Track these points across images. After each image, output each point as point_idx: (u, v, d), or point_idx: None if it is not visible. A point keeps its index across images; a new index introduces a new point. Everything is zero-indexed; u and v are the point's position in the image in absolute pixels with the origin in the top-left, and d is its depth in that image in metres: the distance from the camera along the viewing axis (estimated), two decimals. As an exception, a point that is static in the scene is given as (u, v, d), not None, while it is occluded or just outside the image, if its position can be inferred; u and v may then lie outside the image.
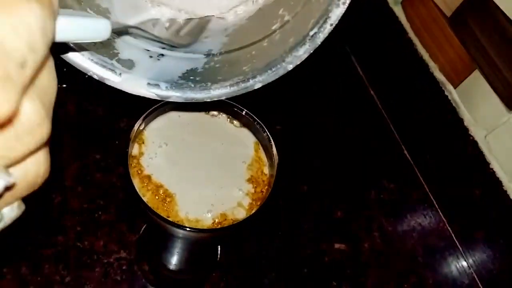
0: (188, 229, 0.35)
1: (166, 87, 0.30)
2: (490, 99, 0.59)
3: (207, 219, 0.37)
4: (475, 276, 0.62)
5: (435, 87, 0.67)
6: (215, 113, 0.43)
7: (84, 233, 0.54)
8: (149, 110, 0.39)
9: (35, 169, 0.18)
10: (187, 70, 0.32)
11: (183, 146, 0.40)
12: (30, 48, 0.16)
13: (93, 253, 0.53)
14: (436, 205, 0.67)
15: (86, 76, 0.29)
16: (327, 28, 0.27)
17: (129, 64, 0.30)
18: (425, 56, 0.68)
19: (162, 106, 0.39)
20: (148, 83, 0.30)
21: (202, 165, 0.40)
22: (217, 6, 0.33)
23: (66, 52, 0.28)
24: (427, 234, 0.65)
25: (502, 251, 0.61)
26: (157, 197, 0.37)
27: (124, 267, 0.53)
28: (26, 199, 0.18)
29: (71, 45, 0.28)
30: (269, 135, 0.40)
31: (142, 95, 0.30)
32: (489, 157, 0.60)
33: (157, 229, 0.46)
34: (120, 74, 0.29)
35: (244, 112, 0.41)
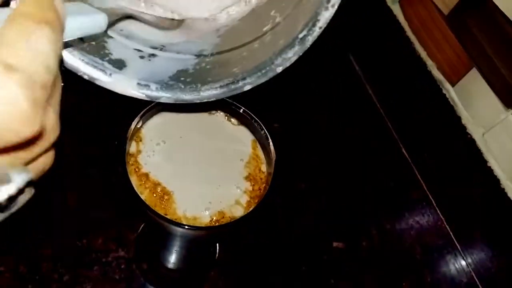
0: (186, 227, 0.35)
1: (156, 88, 0.30)
2: (487, 97, 0.59)
3: (205, 217, 0.37)
4: (473, 275, 0.62)
5: (433, 85, 0.67)
6: (212, 111, 0.43)
7: (82, 232, 0.54)
8: (147, 108, 0.39)
9: (45, 161, 0.20)
10: (177, 71, 0.32)
11: (180, 144, 0.40)
12: (47, 71, 0.17)
13: (91, 252, 0.53)
14: (434, 204, 0.68)
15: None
16: (316, 31, 0.27)
17: (120, 65, 0.30)
18: (423, 54, 0.68)
19: (160, 104, 0.39)
20: (138, 84, 0.30)
21: (199, 163, 0.40)
22: (209, 7, 0.34)
23: None
24: (425, 232, 0.65)
25: (500, 249, 0.61)
26: (154, 195, 0.37)
27: (122, 266, 0.52)
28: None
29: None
30: (267, 133, 0.40)
31: (132, 95, 0.30)
32: (487, 155, 0.60)
33: (155, 228, 0.46)
34: (110, 74, 0.29)
35: (241, 110, 0.41)
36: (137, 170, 0.38)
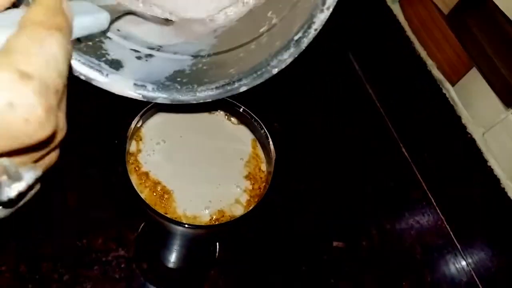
0: (186, 225, 0.35)
1: (153, 89, 0.30)
2: (487, 97, 0.59)
3: (204, 216, 0.37)
4: (474, 274, 0.62)
5: (433, 85, 0.67)
6: (212, 110, 0.43)
7: (82, 231, 0.54)
8: (147, 107, 0.39)
9: (52, 158, 0.21)
10: (174, 71, 0.32)
11: (180, 143, 0.40)
12: (59, 75, 0.18)
13: (92, 252, 0.53)
14: (434, 203, 0.68)
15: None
16: (312, 33, 0.27)
17: (116, 65, 0.30)
18: (423, 54, 0.69)
19: (159, 104, 0.39)
20: (135, 84, 0.30)
21: (199, 162, 0.40)
22: (207, 8, 0.34)
23: None
24: (425, 232, 0.65)
25: (500, 249, 0.61)
26: (155, 194, 0.37)
27: (122, 266, 0.53)
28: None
29: None
30: (267, 132, 0.40)
31: (128, 96, 0.30)
32: (487, 155, 0.60)
33: (155, 227, 0.46)
34: (107, 75, 0.29)
35: (241, 109, 0.41)
36: (137, 169, 0.38)
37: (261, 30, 0.31)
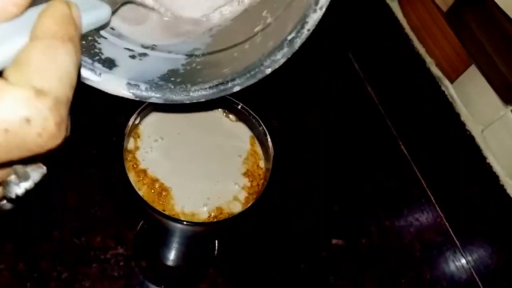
0: (184, 222, 0.35)
1: (146, 88, 0.30)
2: (486, 94, 0.59)
3: (203, 213, 0.37)
4: (473, 271, 0.62)
5: (431, 82, 0.67)
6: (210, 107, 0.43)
7: (81, 229, 0.54)
8: (145, 105, 0.39)
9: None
10: (168, 70, 0.32)
11: (178, 140, 0.40)
12: (71, 87, 0.19)
13: (90, 249, 0.53)
14: (434, 201, 0.67)
15: None
16: (305, 33, 0.27)
17: (110, 64, 0.30)
18: (422, 51, 0.68)
19: (156, 103, 0.39)
20: (128, 84, 0.30)
21: (198, 159, 0.40)
22: (202, 7, 0.34)
23: None
24: (424, 229, 0.65)
25: (499, 246, 0.61)
26: (153, 191, 0.37)
27: (121, 263, 0.52)
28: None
29: None
30: (265, 129, 0.40)
31: (121, 95, 0.30)
32: (486, 152, 0.60)
33: (154, 225, 0.46)
34: (100, 74, 0.29)
35: (239, 106, 0.41)
36: (135, 166, 0.38)
37: (256, 29, 0.31)
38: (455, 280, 0.61)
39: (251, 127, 0.42)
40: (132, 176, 0.37)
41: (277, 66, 0.29)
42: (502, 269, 0.60)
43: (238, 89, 0.30)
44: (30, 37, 0.19)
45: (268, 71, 0.29)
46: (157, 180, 0.38)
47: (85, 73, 0.29)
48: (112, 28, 0.32)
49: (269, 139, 0.40)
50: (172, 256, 0.53)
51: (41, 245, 0.52)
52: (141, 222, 0.55)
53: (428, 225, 0.65)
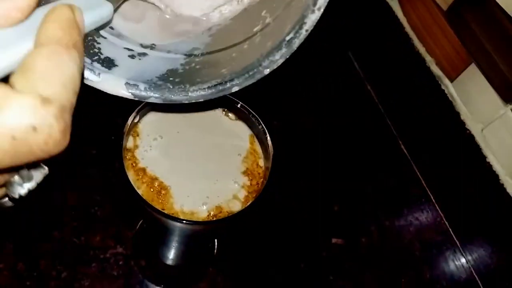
0: (183, 221, 0.35)
1: (145, 88, 0.30)
2: (486, 93, 0.59)
3: (202, 212, 0.37)
4: (473, 271, 0.62)
5: (431, 81, 0.67)
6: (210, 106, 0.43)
7: (80, 229, 0.53)
8: (144, 103, 0.39)
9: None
10: (167, 70, 0.32)
11: (178, 138, 0.40)
12: (75, 92, 0.19)
13: (90, 249, 0.53)
14: (433, 200, 0.67)
15: None
16: (303, 34, 0.27)
17: (109, 64, 0.30)
18: (422, 50, 0.68)
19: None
20: (127, 83, 0.30)
21: (197, 157, 0.40)
22: (202, 6, 0.34)
23: None
24: (424, 229, 0.65)
25: (499, 246, 0.61)
26: (152, 190, 0.37)
27: (120, 263, 0.52)
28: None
29: None
30: (265, 128, 0.40)
31: (120, 95, 0.30)
32: (485, 151, 0.60)
33: (153, 224, 0.46)
34: (99, 74, 0.29)
35: (239, 105, 0.41)
36: (134, 165, 0.38)
37: (255, 29, 0.31)
38: (455, 279, 0.61)
39: (250, 125, 0.42)
40: (131, 175, 0.37)
41: (275, 67, 0.29)
42: (502, 269, 0.60)
43: (236, 90, 0.30)
44: (34, 43, 0.19)
45: (267, 71, 0.29)
46: (156, 178, 0.38)
47: (84, 73, 0.29)
48: (112, 28, 0.32)
49: (268, 137, 0.40)
50: (171, 255, 0.53)
51: (41, 245, 0.52)
52: (141, 221, 0.55)
53: (428, 225, 0.65)
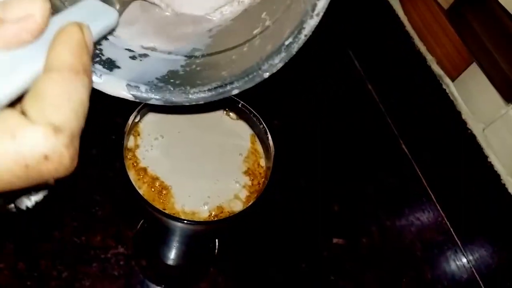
0: (184, 221, 0.35)
1: (146, 90, 0.30)
2: (488, 92, 0.59)
3: (203, 212, 0.37)
4: (474, 271, 0.62)
5: (432, 80, 0.66)
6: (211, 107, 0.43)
7: (81, 229, 0.53)
8: (145, 102, 0.38)
9: None
10: (167, 72, 0.32)
11: (179, 138, 0.40)
12: (84, 117, 0.20)
13: (90, 249, 0.52)
14: (435, 200, 0.67)
15: None
16: (302, 39, 0.28)
17: (110, 65, 0.30)
18: (423, 49, 0.68)
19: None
20: (128, 85, 0.30)
21: (198, 157, 0.39)
22: (203, 6, 0.34)
23: None
24: (425, 228, 0.65)
25: (501, 245, 0.61)
26: (153, 190, 0.37)
27: (121, 263, 0.52)
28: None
29: None
30: (266, 127, 0.40)
31: (122, 96, 0.30)
32: (487, 150, 0.60)
33: (154, 224, 0.46)
34: (100, 75, 0.29)
35: (240, 104, 0.41)
36: (135, 164, 0.38)
37: (255, 32, 0.31)
38: (456, 279, 0.61)
39: (251, 125, 0.42)
40: (132, 175, 0.37)
41: (274, 71, 0.29)
42: (503, 269, 0.60)
43: (236, 92, 0.30)
44: (45, 65, 0.19)
45: (266, 75, 0.29)
46: (157, 178, 0.37)
47: None
48: (114, 30, 0.32)
49: (269, 137, 0.40)
50: (172, 255, 0.53)
51: (41, 245, 0.52)
52: (141, 221, 0.55)
53: (429, 224, 0.65)
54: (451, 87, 0.65)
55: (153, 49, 0.33)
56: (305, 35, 0.27)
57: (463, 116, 0.63)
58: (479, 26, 0.59)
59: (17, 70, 0.19)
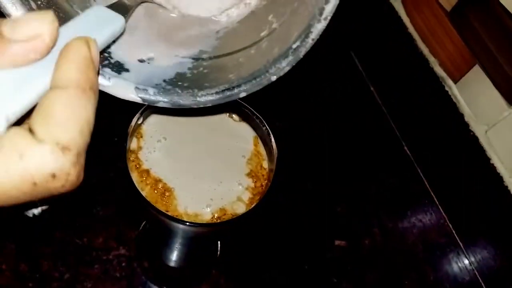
0: (187, 223, 0.35)
1: (154, 93, 0.30)
2: (490, 94, 0.59)
3: (206, 214, 0.37)
4: (476, 273, 0.62)
5: (435, 82, 0.66)
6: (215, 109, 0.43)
7: (83, 230, 0.53)
8: (147, 105, 0.38)
9: None
10: (175, 74, 0.32)
11: (182, 140, 0.40)
12: (90, 133, 0.20)
13: (92, 250, 0.52)
14: (437, 201, 0.67)
15: None
16: (309, 43, 0.28)
17: (119, 68, 0.30)
18: (425, 51, 0.68)
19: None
20: (137, 88, 0.30)
21: (201, 159, 0.39)
22: (210, 8, 0.34)
23: None
24: (427, 230, 0.65)
25: (503, 247, 0.61)
26: (155, 192, 0.37)
27: (123, 264, 0.52)
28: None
29: None
30: (269, 129, 0.40)
31: (130, 99, 0.30)
32: (489, 152, 0.60)
33: (156, 226, 0.46)
34: (109, 78, 0.29)
35: (243, 106, 0.41)
36: (138, 166, 0.38)
37: (262, 34, 0.31)
38: (458, 281, 0.61)
39: (254, 127, 0.42)
40: (135, 176, 0.37)
41: (282, 74, 0.29)
42: (505, 271, 0.60)
43: (244, 95, 0.30)
44: (51, 82, 0.19)
45: (273, 78, 0.29)
46: (160, 180, 0.37)
47: None
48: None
49: (272, 139, 0.40)
50: (174, 257, 0.53)
51: (43, 246, 0.52)
52: (144, 223, 0.55)
53: (431, 226, 0.65)
54: (454, 89, 0.65)
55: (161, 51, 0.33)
56: (313, 39, 0.27)
57: (466, 118, 0.63)
58: (482, 28, 0.59)
59: (24, 88, 0.19)
